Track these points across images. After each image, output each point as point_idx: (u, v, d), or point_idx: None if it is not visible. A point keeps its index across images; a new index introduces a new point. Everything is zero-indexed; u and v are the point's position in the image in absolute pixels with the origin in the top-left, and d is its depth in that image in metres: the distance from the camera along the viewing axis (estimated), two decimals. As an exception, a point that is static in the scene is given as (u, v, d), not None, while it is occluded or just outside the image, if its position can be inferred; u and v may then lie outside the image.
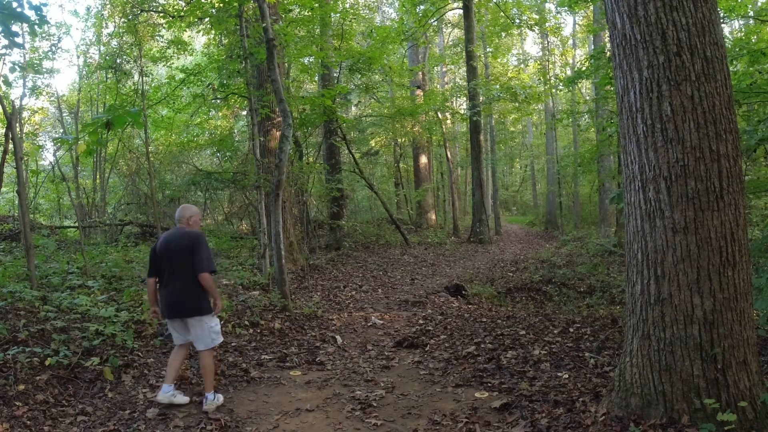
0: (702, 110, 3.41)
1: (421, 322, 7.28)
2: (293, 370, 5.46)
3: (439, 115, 21.07)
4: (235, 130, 19.79)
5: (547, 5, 23.33)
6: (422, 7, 19.10)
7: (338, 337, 6.41)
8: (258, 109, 10.19)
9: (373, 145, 22.45)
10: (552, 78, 26.87)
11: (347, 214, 17.80)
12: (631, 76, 3.63)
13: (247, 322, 6.62)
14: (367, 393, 4.71)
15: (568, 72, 28.41)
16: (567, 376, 5.08)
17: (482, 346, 6.13)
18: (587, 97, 26.70)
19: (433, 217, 23.11)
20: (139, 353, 5.28)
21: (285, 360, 5.73)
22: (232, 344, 6.10)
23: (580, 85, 28.14)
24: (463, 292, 9.81)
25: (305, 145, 15.86)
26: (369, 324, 7.12)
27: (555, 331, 6.79)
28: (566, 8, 17.14)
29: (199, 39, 22.24)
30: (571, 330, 6.84)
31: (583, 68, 14.50)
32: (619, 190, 7.41)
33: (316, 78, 17.92)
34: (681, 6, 3.39)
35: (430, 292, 9.79)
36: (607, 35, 19.24)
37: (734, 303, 3.37)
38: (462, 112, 22.26)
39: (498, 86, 20.62)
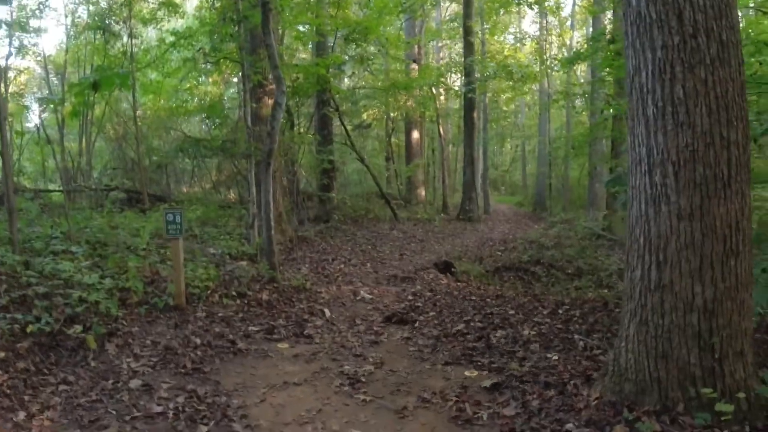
0: (715, 95, 3.31)
1: (410, 298, 7.23)
2: (281, 343, 5.39)
3: (434, 91, 20.82)
4: (225, 97, 19.43)
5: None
6: (422, -22, 18.69)
7: (327, 311, 6.34)
8: (250, 75, 9.94)
9: (366, 118, 22.18)
10: (548, 59, 26.63)
11: (337, 187, 17.64)
12: (644, 56, 3.50)
13: (234, 293, 6.52)
14: (356, 368, 4.65)
15: (565, 53, 28.17)
16: (557, 357, 5.06)
17: (472, 324, 6.10)
18: (582, 80, 26.50)
19: (423, 193, 23.02)
20: (124, 322, 5.17)
21: (272, 332, 5.66)
22: (219, 314, 6.01)
23: (575, 68, 27.93)
24: (452, 269, 9.78)
25: (297, 115, 15.59)
26: (358, 298, 7.05)
27: (544, 312, 6.78)
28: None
29: (191, 1, 21.67)
30: (560, 312, 6.83)
31: (582, 50, 14.38)
32: (615, 174, 7.40)
33: (310, 47, 17.56)
34: (700, -15, 3.27)
35: (419, 268, 9.74)
36: (606, 17, 19.01)
37: (735, 293, 3.32)
38: (456, 88, 22.02)
39: (494, 64, 20.37)
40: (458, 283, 8.77)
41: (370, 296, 7.12)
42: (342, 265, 9.52)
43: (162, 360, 4.62)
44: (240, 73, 10.93)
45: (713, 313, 3.30)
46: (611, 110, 11.78)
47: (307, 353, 5.07)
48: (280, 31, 13.63)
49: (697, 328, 3.32)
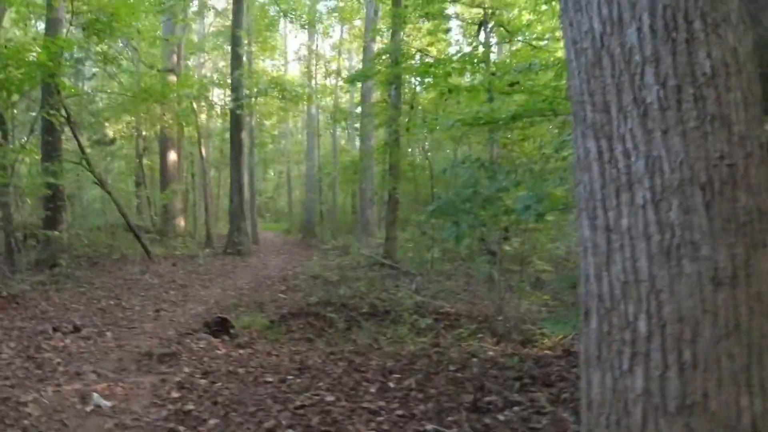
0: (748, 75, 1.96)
1: (174, 395, 4.65)
2: None
3: (195, 106, 18.12)
4: None
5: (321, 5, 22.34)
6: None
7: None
8: None
9: (112, 134, 18.36)
10: (316, 84, 26.11)
11: (70, 219, 13.77)
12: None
13: None
14: None
15: (332, 81, 28.00)
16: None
17: (279, 434, 4.00)
18: (351, 109, 26.37)
19: (182, 223, 19.96)
20: None
21: None
22: None
23: (343, 93, 27.90)
24: (230, 328, 7.46)
25: (11, 120, 11.60)
26: (89, 409, 4.28)
27: (372, 390, 5.03)
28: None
29: None
30: (392, 385, 5.17)
31: (365, 69, 13.67)
32: (437, 202, 6.05)
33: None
34: None
35: (183, 331, 7.17)
36: (377, 46, 18.76)
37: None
38: (220, 104, 19.67)
39: (265, 78, 18.58)
40: (241, 351, 6.50)
41: (109, 403, 4.38)
42: (67, 340, 6.33)
43: None
44: None
45: (766, 441, 1.88)
46: (407, 128, 10.85)
47: None
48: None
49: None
